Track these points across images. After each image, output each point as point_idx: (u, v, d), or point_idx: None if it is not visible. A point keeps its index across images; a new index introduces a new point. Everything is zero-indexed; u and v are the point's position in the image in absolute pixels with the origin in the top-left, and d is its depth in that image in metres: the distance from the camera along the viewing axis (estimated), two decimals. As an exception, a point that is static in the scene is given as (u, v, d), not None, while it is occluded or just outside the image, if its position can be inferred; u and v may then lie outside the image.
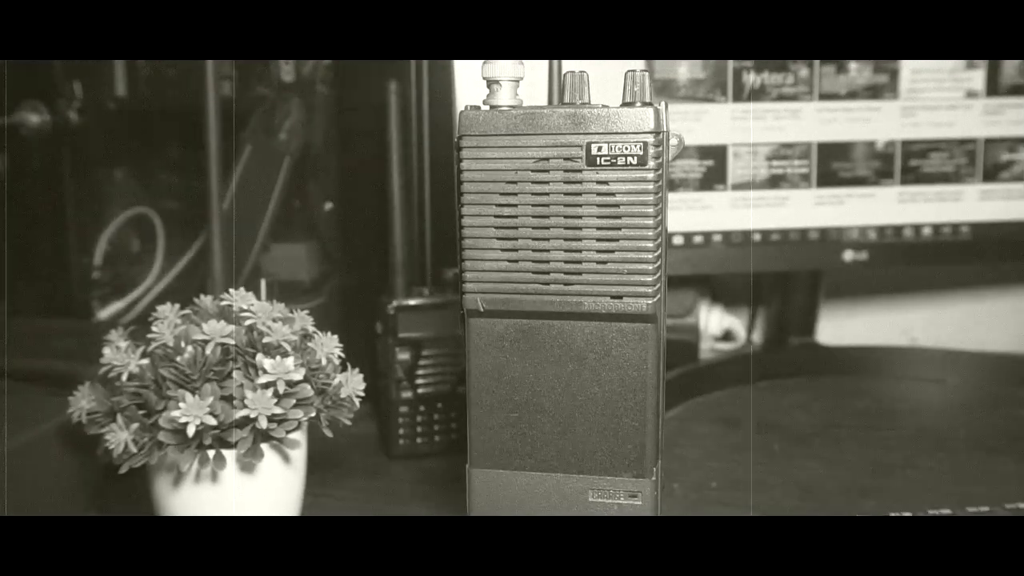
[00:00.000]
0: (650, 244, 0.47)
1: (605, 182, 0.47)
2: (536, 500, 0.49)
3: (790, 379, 0.99)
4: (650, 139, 0.46)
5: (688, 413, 0.89)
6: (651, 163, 0.46)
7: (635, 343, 0.48)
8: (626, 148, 0.46)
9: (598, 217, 0.47)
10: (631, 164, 0.46)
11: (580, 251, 0.47)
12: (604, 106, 0.47)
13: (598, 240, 0.47)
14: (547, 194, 0.48)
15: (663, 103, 0.48)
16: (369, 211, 0.88)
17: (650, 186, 0.46)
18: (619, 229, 0.47)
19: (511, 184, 0.48)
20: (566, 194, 0.47)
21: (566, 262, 0.48)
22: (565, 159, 0.47)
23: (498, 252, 0.48)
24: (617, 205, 0.47)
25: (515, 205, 0.48)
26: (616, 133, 0.47)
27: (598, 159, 0.47)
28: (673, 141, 0.49)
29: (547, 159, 0.47)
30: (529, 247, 0.48)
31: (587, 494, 0.49)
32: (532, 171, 0.48)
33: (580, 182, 0.47)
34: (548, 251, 0.48)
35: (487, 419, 0.50)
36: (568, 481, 0.49)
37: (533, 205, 0.48)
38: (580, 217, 0.47)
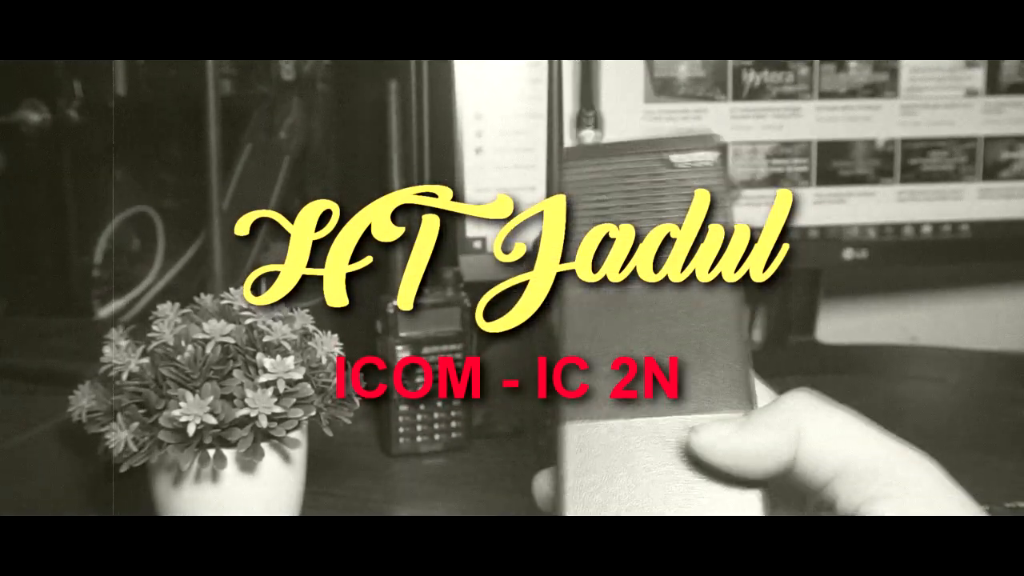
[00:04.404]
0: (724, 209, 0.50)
1: (683, 180, 0.51)
2: (634, 445, 0.49)
3: (790, 377, 0.99)
4: (718, 153, 0.51)
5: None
6: (719, 169, 0.51)
7: (719, 293, 0.50)
8: (699, 156, 0.52)
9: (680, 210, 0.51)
10: (702, 167, 0.51)
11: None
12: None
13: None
14: (634, 190, 0.52)
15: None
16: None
17: (721, 184, 0.50)
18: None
19: (605, 187, 0.52)
20: (650, 191, 0.52)
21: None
22: (647, 167, 0.52)
23: None
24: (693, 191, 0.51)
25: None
26: (691, 147, 0.52)
27: (677, 164, 0.52)
28: (734, 192, 0.55)
29: (634, 168, 0.52)
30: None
31: (685, 433, 0.48)
32: (621, 178, 0.52)
33: (662, 181, 0.52)
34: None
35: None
36: (662, 424, 0.48)
37: (623, 205, 0.52)
38: (665, 211, 0.51)
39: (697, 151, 0.52)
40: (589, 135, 0.62)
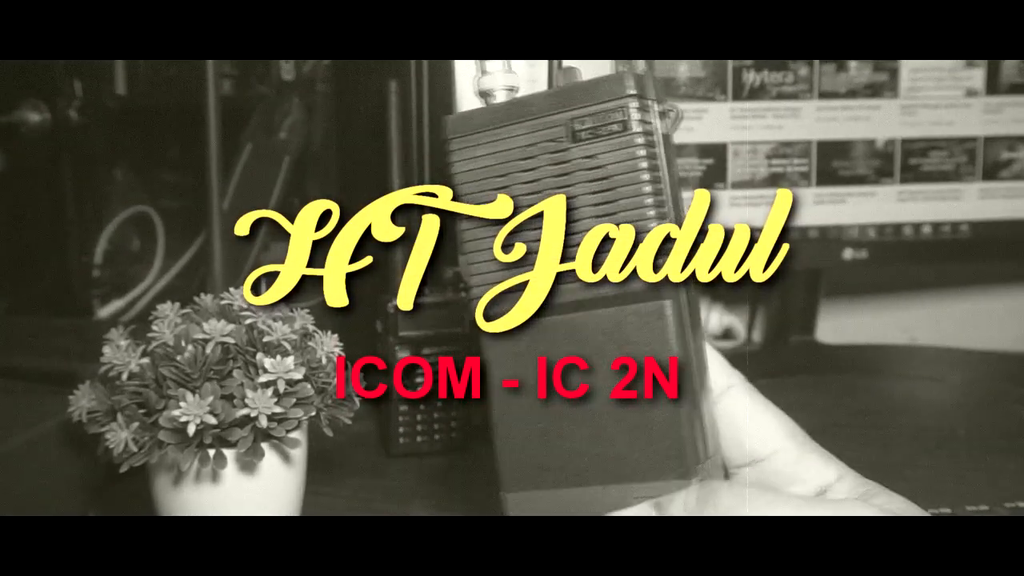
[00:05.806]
0: (651, 212, 0.44)
1: (592, 155, 0.44)
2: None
3: (790, 377, 0.99)
4: (632, 103, 0.44)
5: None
6: (637, 128, 0.44)
7: (653, 323, 0.44)
8: (608, 117, 0.44)
9: (592, 193, 0.45)
10: (615, 132, 0.44)
11: (578, 232, 0.45)
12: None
13: (596, 218, 0.44)
14: (537, 180, 0.46)
15: (650, 70, 0.46)
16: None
17: (642, 151, 0.44)
18: (616, 201, 0.44)
19: (501, 177, 0.46)
20: (555, 176, 0.45)
21: (568, 247, 0.44)
22: (549, 141, 0.45)
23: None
24: (607, 177, 0.44)
25: (510, 197, 0.46)
26: (597, 103, 0.44)
27: (581, 134, 0.45)
28: (671, 113, 0.47)
29: (533, 144, 0.45)
30: (527, 239, 0.47)
31: (628, 503, 0.44)
32: (520, 160, 0.46)
33: (568, 161, 0.45)
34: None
35: (514, 436, 0.47)
36: (608, 493, 0.44)
37: (526, 194, 0.46)
38: (575, 196, 0.45)
39: (606, 108, 0.43)
40: (496, 79, 0.50)
